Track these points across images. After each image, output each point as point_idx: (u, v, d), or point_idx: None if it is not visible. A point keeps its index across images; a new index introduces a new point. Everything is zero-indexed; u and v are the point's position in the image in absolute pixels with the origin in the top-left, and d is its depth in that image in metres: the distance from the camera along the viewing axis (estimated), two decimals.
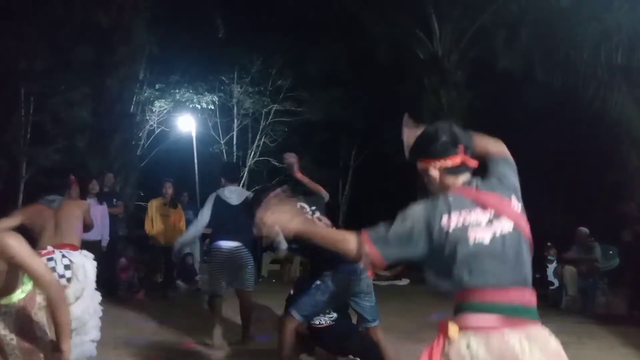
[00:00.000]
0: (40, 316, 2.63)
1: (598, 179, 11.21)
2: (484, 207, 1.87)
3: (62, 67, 11.79)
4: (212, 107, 15.62)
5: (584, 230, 8.23)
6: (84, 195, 7.52)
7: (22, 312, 2.59)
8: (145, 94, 14.06)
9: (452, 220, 1.84)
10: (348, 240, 1.92)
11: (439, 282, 1.88)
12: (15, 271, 2.47)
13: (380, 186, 16.17)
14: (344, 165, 17.93)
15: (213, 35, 15.27)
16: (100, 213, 7.46)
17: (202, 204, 9.84)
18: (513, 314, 1.80)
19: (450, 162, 1.94)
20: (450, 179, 1.95)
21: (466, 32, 12.06)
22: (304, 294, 3.83)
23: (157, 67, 14.07)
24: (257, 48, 15.08)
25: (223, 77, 15.77)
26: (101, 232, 7.45)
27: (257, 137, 16.53)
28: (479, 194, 1.90)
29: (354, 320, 4.24)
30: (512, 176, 2.03)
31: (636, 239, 7.78)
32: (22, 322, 2.57)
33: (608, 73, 10.21)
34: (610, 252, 8.06)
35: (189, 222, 9.43)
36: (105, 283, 7.65)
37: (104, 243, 7.57)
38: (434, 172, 1.97)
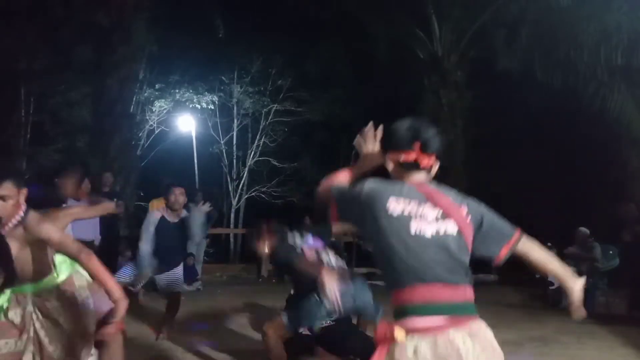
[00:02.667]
0: (84, 294, 2.89)
1: (598, 179, 11.20)
2: (433, 205, 1.88)
3: (62, 67, 11.80)
4: (212, 107, 15.63)
5: (584, 230, 8.23)
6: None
7: (64, 295, 2.86)
8: (145, 94, 14.07)
9: (399, 205, 1.85)
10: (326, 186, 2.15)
11: (383, 275, 1.91)
12: (40, 257, 2.72)
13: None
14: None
15: (213, 35, 15.28)
16: None
17: (203, 204, 9.96)
18: (457, 313, 1.80)
19: (403, 157, 1.96)
20: (403, 174, 1.98)
21: (466, 32, 12.04)
22: (300, 307, 3.87)
23: (157, 67, 14.08)
24: (257, 48, 15.09)
25: (223, 77, 15.78)
26: (94, 232, 7.41)
27: (257, 137, 16.54)
28: (432, 192, 1.92)
29: (354, 320, 4.25)
30: (477, 202, 2.04)
31: (636, 239, 7.78)
32: (66, 304, 2.84)
33: (608, 73, 10.20)
34: (610, 252, 8.05)
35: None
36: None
37: (97, 242, 7.52)
38: (389, 165, 2.03)
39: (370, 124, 2.31)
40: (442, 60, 12.31)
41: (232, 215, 16.74)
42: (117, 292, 2.68)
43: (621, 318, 7.19)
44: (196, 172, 15.75)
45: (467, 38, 12.08)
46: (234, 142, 16.60)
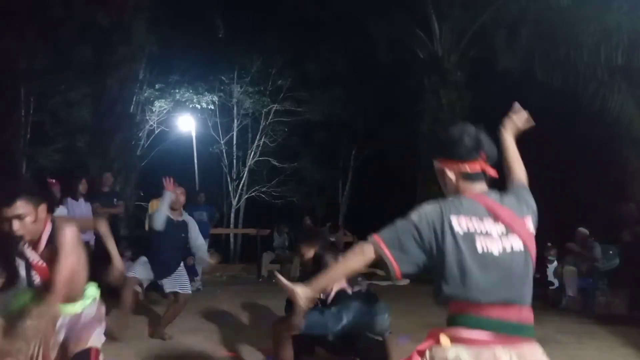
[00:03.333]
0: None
1: (598, 179, 11.20)
2: (496, 219, 1.82)
3: (62, 67, 11.80)
4: (212, 107, 15.62)
5: (584, 230, 8.23)
6: (72, 195, 7.56)
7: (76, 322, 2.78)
8: (145, 94, 14.07)
9: (462, 223, 1.79)
10: (364, 252, 1.85)
11: (441, 288, 1.82)
12: (77, 279, 2.69)
13: (380, 186, 16.17)
14: (343, 165, 17.92)
15: (213, 35, 15.29)
16: (87, 213, 7.46)
17: (205, 204, 9.98)
18: (508, 332, 1.77)
19: (468, 167, 1.90)
20: (466, 184, 1.91)
21: (466, 32, 12.05)
22: (319, 315, 3.86)
23: (157, 67, 14.07)
24: (257, 48, 15.09)
25: (223, 77, 15.77)
26: (89, 233, 7.39)
27: (257, 137, 16.53)
28: (494, 204, 1.85)
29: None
30: (531, 200, 2.02)
31: (636, 239, 7.78)
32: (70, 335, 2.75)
33: (608, 73, 10.20)
34: (610, 252, 8.06)
35: (198, 223, 9.53)
36: (105, 283, 7.67)
37: (92, 243, 7.50)
38: (451, 175, 1.93)
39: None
40: (442, 60, 12.31)
41: (232, 215, 16.73)
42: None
43: (621, 318, 7.19)
44: (196, 172, 15.74)
45: (467, 38, 12.08)
46: (234, 142, 16.59)
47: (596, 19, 9.97)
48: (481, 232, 1.79)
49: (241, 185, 16.72)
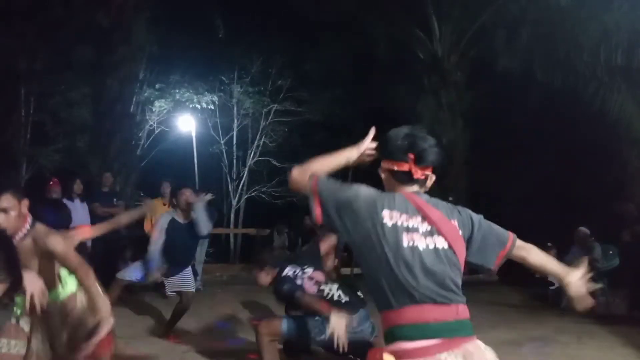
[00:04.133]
0: (82, 312, 2.88)
1: (598, 179, 11.20)
2: (424, 218, 1.83)
3: (62, 67, 11.79)
4: (212, 107, 15.61)
5: (584, 230, 8.23)
6: (67, 194, 7.56)
7: (66, 311, 2.87)
8: (145, 94, 14.05)
9: (393, 216, 1.81)
10: (300, 177, 2.00)
11: (373, 295, 1.83)
12: (48, 269, 2.73)
13: (380, 186, 16.14)
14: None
15: (213, 35, 15.28)
16: (83, 213, 7.46)
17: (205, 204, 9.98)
18: (448, 334, 1.72)
19: (396, 167, 1.92)
20: (395, 185, 1.93)
21: (466, 32, 12.06)
22: (303, 321, 3.88)
23: (157, 67, 14.06)
24: (257, 48, 15.09)
25: (223, 77, 15.77)
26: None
27: (257, 137, 16.53)
28: (423, 204, 1.86)
29: None
30: (467, 211, 1.98)
31: (636, 239, 7.79)
32: (67, 321, 2.86)
33: (608, 73, 10.21)
34: (610, 252, 8.05)
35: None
36: (105, 283, 7.67)
37: (88, 243, 7.49)
38: (382, 173, 1.99)
39: (373, 129, 2.25)
40: (442, 61, 12.33)
41: (232, 216, 16.73)
42: (105, 310, 2.70)
43: (621, 318, 7.19)
44: (196, 172, 15.74)
45: (467, 38, 12.09)
46: (234, 142, 16.59)
47: (596, 19, 9.97)
48: (408, 228, 1.80)
49: (241, 185, 16.72)
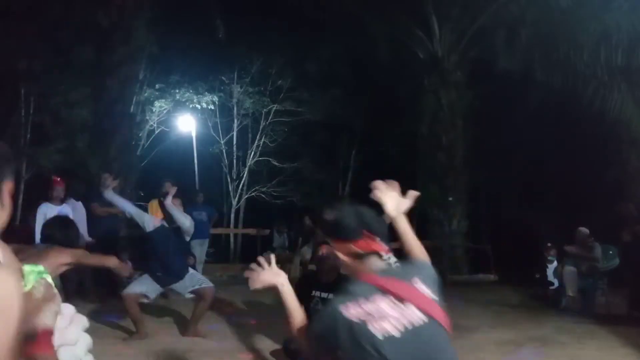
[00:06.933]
0: (37, 303, 2.69)
1: (598, 179, 11.21)
2: (392, 297, 1.71)
3: (62, 67, 11.80)
4: (212, 107, 15.62)
5: (584, 230, 8.22)
6: (72, 194, 7.54)
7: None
8: (145, 94, 14.06)
9: (353, 311, 1.68)
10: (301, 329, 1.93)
11: None
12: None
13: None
14: (343, 165, 17.92)
15: (213, 35, 15.28)
16: (79, 212, 7.44)
17: (204, 204, 9.99)
18: None
19: (354, 247, 1.84)
20: (357, 264, 1.85)
21: (466, 32, 12.05)
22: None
23: (157, 67, 14.07)
24: (257, 48, 15.09)
25: (223, 77, 15.78)
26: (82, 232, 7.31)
27: (257, 137, 16.53)
28: (385, 281, 1.75)
29: None
30: (427, 269, 1.92)
31: (636, 239, 7.78)
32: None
33: (608, 73, 10.21)
34: (610, 252, 8.05)
35: (198, 223, 9.53)
36: (105, 283, 7.68)
37: (86, 243, 7.44)
38: (342, 256, 1.89)
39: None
40: (442, 60, 12.32)
41: (232, 216, 16.74)
42: (110, 260, 2.69)
43: (621, 318, 7.19)
44: (196, 172, 15.75)
45: (467, 38, 12.09)
46: (234, 142, 16.60)
47: (596, 19, 9.98)
48: (375, 316, 1.66)
49: (241, 185, 16.72)
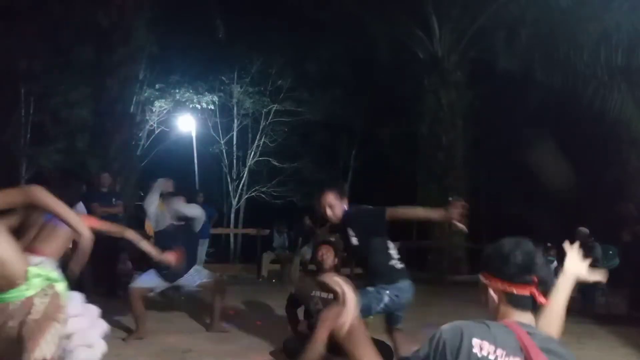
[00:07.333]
0: (39, 319, 2.53)
1: (598, 179, 11.21)
2: (525, 357, 1.51)
3: (62, 67, 11.79)
4: (212, 107, 15.62)
5: (584, 230, 8.23)
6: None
7: (23, 312, 2.51)
8: (145, 94, 14.06)
9: (484, 349, 1.51)
10: None
11: None
12: (11, 263, 2.40)
13: (380, 186, 16.18)
14: (343, 165, 17.92)
15: (213, 35, 15.28)
16: (79, 213, 7.47)
17: (205, 204, 10.00)
18: None
19: (515, 290, 1.62)
20: (508, 309, 1.64)
21: (466, 32, 12.06)
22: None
23: (157, 67, 14.07)
24: (257, 48, 15.09)
25: (223, 77, 15.77)
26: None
27: (257, 137, 16.53)
28: (530, 345, 1.53)
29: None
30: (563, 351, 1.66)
31: (636, 239, 7.79)
32: (22, 324, 2.50)
33: (608, 73, 10.22)
34: (610, 252, 8.05)
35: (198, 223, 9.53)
36: (105, 283, 7.68)
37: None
38: (494, 294, 1.67)
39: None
40: (442, 61, 12.33)
41: (232, 216, 16.73)
42: (83, 228, 2.52)
43: (621, 318, 7.20)
44: (196, 172, 15.74)
45: (467, 38, 12.09)
46: (234, 142, 16.59)
47: (596, 19, 9.99)
48: None
49: (241, 185, 16.72)
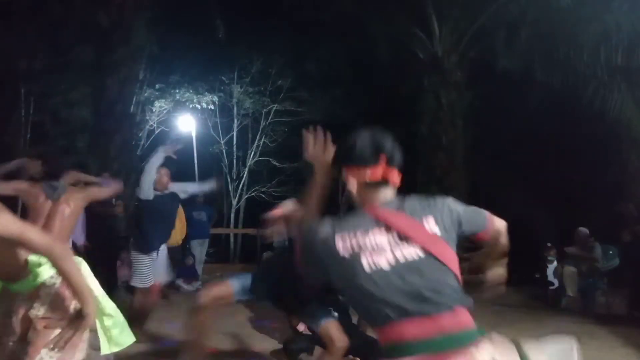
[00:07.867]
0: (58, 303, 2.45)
1: (598, 179, 11.21)
2: (387, 228, 1.62)
3: (62, 67, 11.80)
4: (212, 107, 15.63)
5: (584, 230, 8.23)
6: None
7: (47, 297, 2.44)
8: (145, 94, 14.07)
9: (345, 243, 1.62)
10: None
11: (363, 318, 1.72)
12: (11, 255, 2.29)
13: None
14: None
15: (213, 35, 15.29)
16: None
17: (204, 204, 9.99)
18: (439, 349, 1.52)
19: (369, 173, 1.70)
20: (368, 193, 1.72)
21: (466, 32, 12.05)
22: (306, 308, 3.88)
23: (157, 67, 14.08)
24: (257, 48, 15.10)
25: (223, 77, 15.79)
26: (80, 235, 7.31)
27: (257, 137, 16.54)
28: (386, 214, 1.65)
29: (355, 320, 4.24)
30: (442, 201, 1.79)
31: (636, 239, 7.79)
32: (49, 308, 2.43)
33: (608, 73, 10.21)
34: (610, 252, 8.06)
35: (197, 223, 9.53)
36: (105, 283, 7.67)
37: (83, 242, 7.42)
38: (353, 183, 1.74)
39: (317, 128, 2.07)
40: (442, 60, 12.31)
41: (232, 216, 16.74)
42: (91, 304, 2.27)
43: (621, 318, 7.19)
44: (196, 172, 15.75)
45: (467, 38, 12.08)
46: (234, 142, 16.61)
47: (596, 19, 9.98)
48: (365, 248, 1.60)
49: (241, 185, 16.73)
